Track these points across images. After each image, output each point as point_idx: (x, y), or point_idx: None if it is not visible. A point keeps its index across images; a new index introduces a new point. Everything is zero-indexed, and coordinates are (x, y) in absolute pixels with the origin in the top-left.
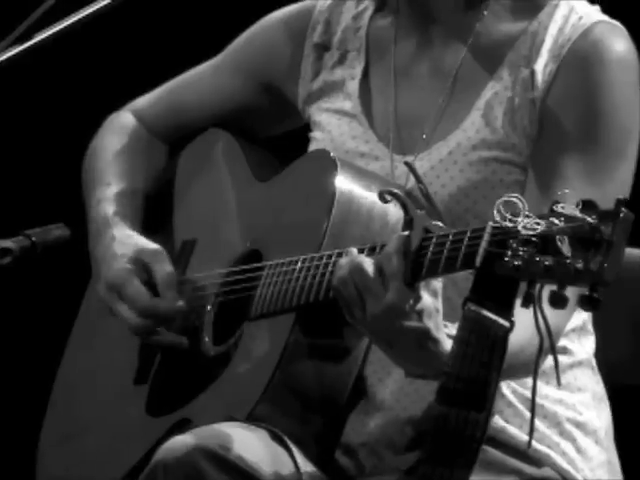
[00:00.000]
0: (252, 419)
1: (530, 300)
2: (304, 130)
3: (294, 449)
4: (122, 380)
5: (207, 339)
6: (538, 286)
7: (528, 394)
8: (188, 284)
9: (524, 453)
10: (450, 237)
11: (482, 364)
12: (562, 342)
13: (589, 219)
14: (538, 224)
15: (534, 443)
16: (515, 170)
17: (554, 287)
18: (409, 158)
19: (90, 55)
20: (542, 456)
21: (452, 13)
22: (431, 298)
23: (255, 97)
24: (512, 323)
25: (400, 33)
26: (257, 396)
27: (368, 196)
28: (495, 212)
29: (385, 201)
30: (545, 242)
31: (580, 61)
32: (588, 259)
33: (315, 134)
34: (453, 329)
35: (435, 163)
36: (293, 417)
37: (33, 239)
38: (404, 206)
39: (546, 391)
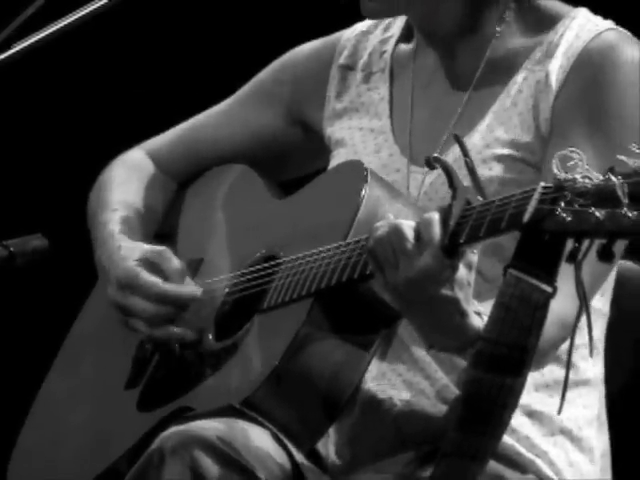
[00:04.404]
0: (249, 405)
1: (576, 256)
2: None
3: (289, 445)
4: (111, 387)
5: (210, 337)
6: (586, 243)
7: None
8: None
9: (509, 458)
10: (495, 203)
11: (522, 329)
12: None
13: None
14: (596, 176)
15: (520, 448)
16: (528, 169)
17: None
18: (425, 169)
19: (74, 63)
20: (527, 462)
21: (460, 37)
22: (465, 270)
23: (282, 132)
24: (555, 288)
25: (419, 51)
26: (259, 382)
27: (394, 205)
28: (553, 165)
29: (432, 167)
30: (602, 193)
31: (592, 62)
32: None
33: (338, 151)
34: (480, 307)
35: (450, 163)
36: (291, 410)
37: (11, 249)
38: (449, 175)
39: (549, 402)
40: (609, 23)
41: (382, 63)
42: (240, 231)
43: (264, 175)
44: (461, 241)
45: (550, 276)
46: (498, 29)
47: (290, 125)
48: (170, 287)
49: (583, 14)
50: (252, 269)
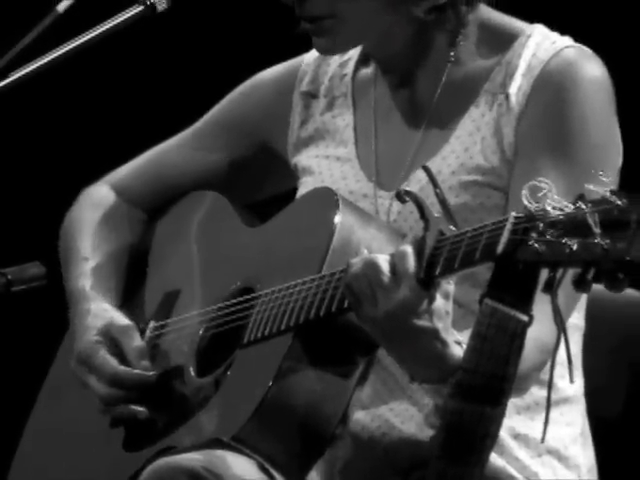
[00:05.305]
0: (237, 441)
1: (551, 285)
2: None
3: (277, 475)
4: (96, 425)
5: (192, 373)
6: (560, 272)
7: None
8: (172, 325)
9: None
10: (468, 234)
11: (500, 359)
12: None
13: (619, 202)
14: (566, 207)
15: (512, 470)
16: (495, 194)
17: (578, 270)
18: (391, 194)
19: (71, 91)
20: None
21: (415, 63)
22: (442, 300)
23: (247, 157)
24: (531, 317)
25: (379, 76)
26: (245, 418)
27: (367, 231)
28: (523, 197)
29: (403, 201)
30: (574, 223)
31: (552, 81)
32: (615, 238)
33: (305, 179)
34: (459, 336)
35: (416, 192)
36: (278, 443)
37: (9, 277)
38: (420, 207)
39: (532, 424)
40: (567, 40)
41: (343, 87)
42: (215, 262)
43: (234, 200)
44: (437, 273)
45: (526, 305)
46: (452, 53)
47: (254, 152)
48: (123, 371)
49: (539, 31)
50: (229, 303)
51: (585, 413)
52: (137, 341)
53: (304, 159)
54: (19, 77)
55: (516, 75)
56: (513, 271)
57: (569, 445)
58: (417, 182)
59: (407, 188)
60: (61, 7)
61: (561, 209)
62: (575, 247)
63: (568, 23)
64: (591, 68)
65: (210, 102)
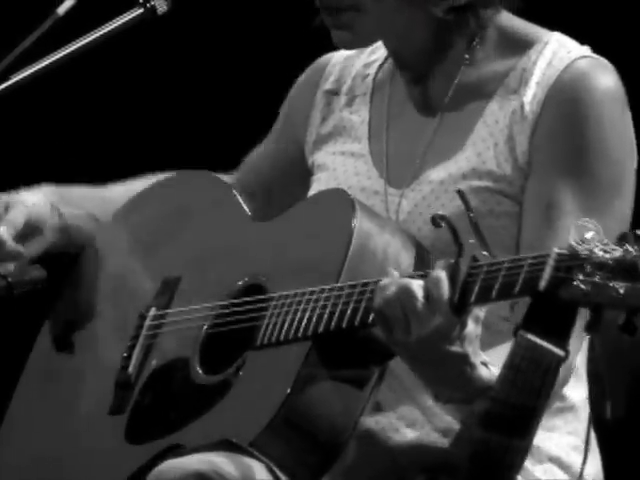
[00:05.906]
0: (253, 446)
1: (596, 326)
2: None
3: (285, 479)
4: (93, 412)
5: (198, 369)
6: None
7: None
8: (175, 316)
9: None
10: (505, 264)
11: (531, 392)
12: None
13: None
14: (614, 249)
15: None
16: (506, 201)
17: (622, 314)
18: (401, 191)
19: (68, 96)
20: None
21: (431, 62)
22: (473, 324)
23: (292, 155)
24: (567, 352)
25: (395, 75)
26: (262, 425)
27: (383, 236)
28: (570, 235)
29: (437, 225)
30: (622, 266)
31: (566, 90)
32: None
33: (318, 175)
34: (485, 356)
35: (427, 193)
36: (291, 451)
37: (9, 280)
38: (454, 232)
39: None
40: (584, 50)
41: (364, 87)
42: (218, 252)
43: (238, 190)
44: (471, 300)
45: (563, 340)
46: (467, 55)
47: (295, 149)
48: None
49: (556, 38)
50: (239, 301)
51: (587, 419)
52: (20, 220)
53: (321, 156)
54: (20, 80)
55: (531, 82)
56: (552, 307)
57: (571, 452)
58: (428, 183)
59: (441, 212)
60: (61, 10)
61: (607, 251)
62: (622, 291)
63: (589, 30)
64: (604, 79)
65: (210, 105)
